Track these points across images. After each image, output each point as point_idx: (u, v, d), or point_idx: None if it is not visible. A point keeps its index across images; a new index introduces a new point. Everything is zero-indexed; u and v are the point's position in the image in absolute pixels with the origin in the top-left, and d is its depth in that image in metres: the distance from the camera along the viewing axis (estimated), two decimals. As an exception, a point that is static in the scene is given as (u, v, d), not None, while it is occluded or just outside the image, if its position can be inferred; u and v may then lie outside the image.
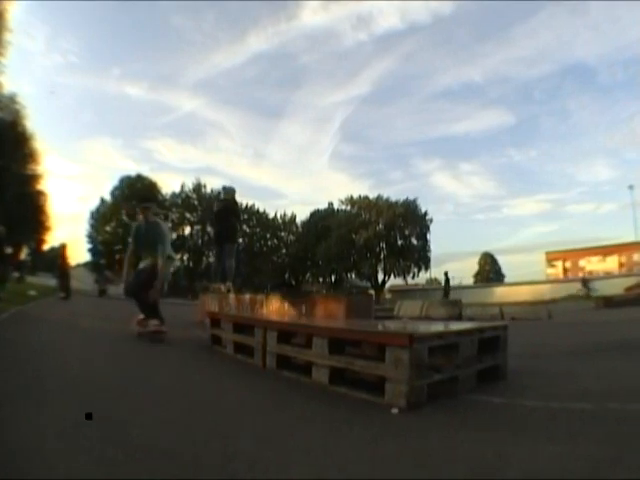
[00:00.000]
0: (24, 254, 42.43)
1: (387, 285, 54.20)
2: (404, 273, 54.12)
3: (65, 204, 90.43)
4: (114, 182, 56.33)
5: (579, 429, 1.94)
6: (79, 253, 56.29)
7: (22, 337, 4.86)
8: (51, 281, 24.12)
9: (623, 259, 48.31)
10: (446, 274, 27.56)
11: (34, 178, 35.19)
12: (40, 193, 37.12)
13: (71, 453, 1.61)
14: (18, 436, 1.76)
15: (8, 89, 29.95)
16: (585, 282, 27.59)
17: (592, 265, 54.70)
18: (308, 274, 60.28)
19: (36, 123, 61.12)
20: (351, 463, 1.62)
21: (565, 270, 57.97)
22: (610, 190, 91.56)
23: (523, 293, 37.43)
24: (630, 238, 46.33)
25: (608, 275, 41.15)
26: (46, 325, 6.60)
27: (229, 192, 9.63)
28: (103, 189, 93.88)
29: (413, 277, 54.17)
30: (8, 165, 28.41)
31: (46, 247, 45.44)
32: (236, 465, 1.58)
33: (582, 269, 55.14)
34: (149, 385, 2.82)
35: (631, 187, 47.39)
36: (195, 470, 1.53)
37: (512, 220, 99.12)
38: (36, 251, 45.33)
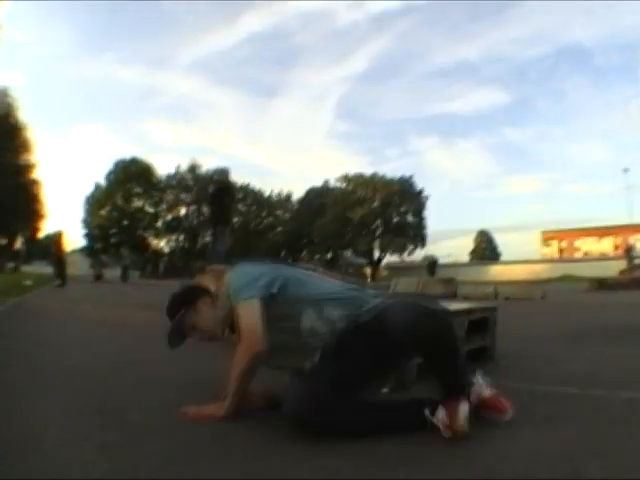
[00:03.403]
0: (19, 243, 42.54)
1: (383, 262, 54.39)
2: (400, 250, 54.26)
3: (59, 191, 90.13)
4: (109, 166, 56.09)
5: (560, 413, 1.97)
6: (73, 239, 56.41)
7: (21, 329, 4.89)
8: (46, 269, 24.04)
9: (618, 241, 48.48)
10: (434, 259, 27.94)
11: (27, 168, 35.61)
12: (34, 182, 37.44)
13: (73, 440, 1.65)
14: (21, 427, 1.79)
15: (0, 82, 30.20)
16: (629, 251, 26.45)
17: (587, 246, 54.92)
18: (304, 252, 60.42)
19: (29, 111, 61.33)
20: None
21: (560, 250, 58.12)
22: (605, 172, 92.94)
23: (518, 272, 37.69)
24: (624, 220, 46.48)
25: (603, 257, 41.34)
26: (44, 315, 6.63)
27: (222, 174, 9.67)
28: (98, 174, 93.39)
29: (409, 254, 54.33)
30: (1, 157, 28.56)
31: (41, 235, 45.51)
32: (231, 440, 1.67)
33: (577, 249, 55.35)
34: (145, 370, 2.84)
35: (626, 170, 47.44)
36: (189, 448, 1.58)
37: (508, 198, 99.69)
38: (30, 240, 45.44)
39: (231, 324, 2.06)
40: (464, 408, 1.65)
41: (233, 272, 2.13)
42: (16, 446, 1.56)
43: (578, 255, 52.38)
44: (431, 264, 27.73)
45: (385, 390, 2.25)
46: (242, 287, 2.01)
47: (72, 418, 1.91)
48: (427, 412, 1.69)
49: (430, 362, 1.89)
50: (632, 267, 22.71)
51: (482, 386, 1.89)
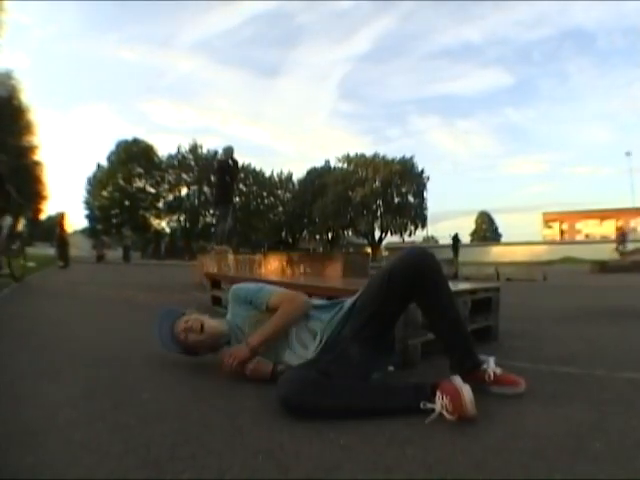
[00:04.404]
0: (21, 225, 42.75)
1: (384, 242, 54.49)
2: (401, 230, 54.40)
3: (62, 172, 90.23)
4: (111, 147, 56.15)
5: (564, 392, 2.01)
6: (75, 220, 56.54)
7: (27, 310, 4.87)
8: (48, 250, 24.04)
9: (620, 224, 48.33)
10: (456, 236, 27.38)
11: (30, 149, 35.86)
12: (36, 163, 37.68)
13: (87, 421, 1.66)
14: (34, 409, 1.80)
15: (5, 65, 30.41)
16: (623, 236, 25.94)
17: (589, 228, 54.84)
18: (305, 232, 60.52)
19: (32, 93, 61.43)
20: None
21: (562, 232, 58.04)
22: (608, 154, 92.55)
23: (519, 253, 37.80)
24: (626, 203, 46.33)
25: (604, 239, 41.32)
26: (49, 296, 6.63)
27: (226, 152, 9.66)
28: (100, 155, 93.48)
29: (410, 235, 54.46)
30: (4, 140, 28.74)
31: (43, 216, 45.66)
32: (242, 419, 1.69)
33: (578, 232, 55.32)
34: (152, 350, 2.82)
35: (628, 154, 47.12)
36: (202, 427, 1.62)
37: (509, 179, 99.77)
38: (33, 221, 45.77)
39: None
40: (467, 390, 1.61)
41: (234, 290, 2.43)
42: (30, 429, 1.57)
43: (579, 237, 52.45)
44: (455, 238, 27.01)
45: (391, 369, 2.27)
46: (259, 289, 2.34)
47: (84, 399, 1.92)
48: (424, 402, 1.65)
49: (430, 309, 2.06)
50: (623, 253, 22.65)
51: (493, 365, 1.94)
